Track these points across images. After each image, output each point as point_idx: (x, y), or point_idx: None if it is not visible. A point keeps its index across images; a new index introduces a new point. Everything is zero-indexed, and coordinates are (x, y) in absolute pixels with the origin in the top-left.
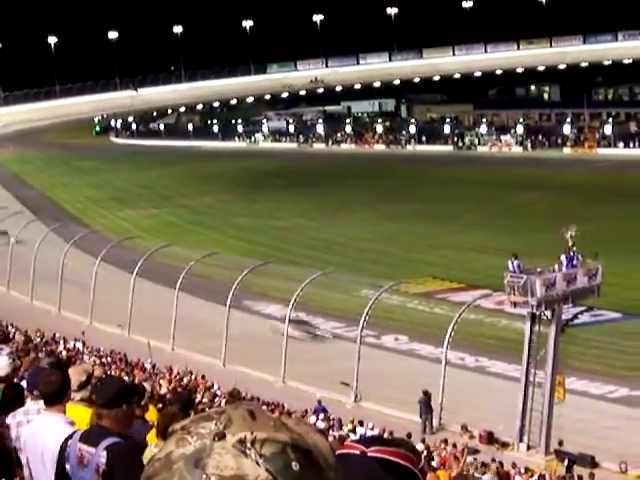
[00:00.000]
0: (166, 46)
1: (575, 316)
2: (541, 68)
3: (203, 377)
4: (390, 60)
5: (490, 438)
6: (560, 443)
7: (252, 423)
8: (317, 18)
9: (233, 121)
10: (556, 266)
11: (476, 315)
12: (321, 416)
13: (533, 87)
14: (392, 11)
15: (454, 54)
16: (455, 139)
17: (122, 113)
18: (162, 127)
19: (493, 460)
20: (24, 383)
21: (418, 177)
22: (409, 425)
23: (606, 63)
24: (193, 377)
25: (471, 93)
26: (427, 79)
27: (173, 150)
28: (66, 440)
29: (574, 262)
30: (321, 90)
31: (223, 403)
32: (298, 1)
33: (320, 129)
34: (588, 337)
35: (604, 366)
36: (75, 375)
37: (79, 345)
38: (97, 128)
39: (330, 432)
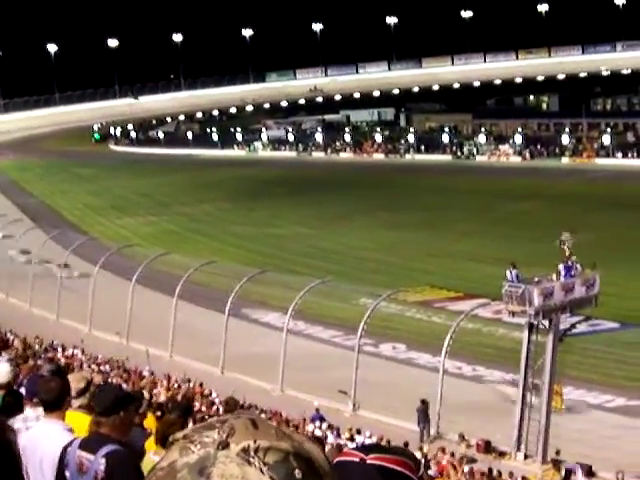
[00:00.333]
0: (166, 54)
1: (573, 326)
2: (540, 78)
3: (201, 385)
4: (389, 69)
5: (487, 447)
6: (557, 452)
7: (255, 432)
8: (317, 27)
9: (232, 129)
10: (554, 275)
11: (474, 324)
12: (318, 424)
13: (532, 97)
14: (391, 20)
15: (453, 64)
16: (454, 148)
17: (121, 121)
18: (161, 135)
19: (490, 470)
20: (23, 390)
21: (417, 186)
22: (407, 434)
23: (605, 73)
24: (191, 385)
25: (470, 103)
26: (426, 88)
27: (172, 158)
28: (65, 447)
29: (572, 272)
30: (320, 99)
31: (221, 411)
32: (298, 10)
33: (319, 138)
34: (586, 347)
35: (602, 376)
36: (74, 382)
37: (78, 352)
38: (96, 136)
39: (328, 440)
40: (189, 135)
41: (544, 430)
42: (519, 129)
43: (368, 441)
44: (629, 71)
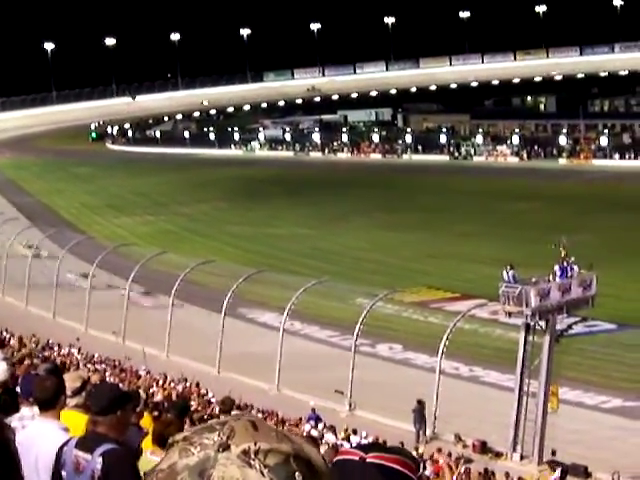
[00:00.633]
0: (163, 53)
1: (569, 326)
2: (537, 79)
3: (197, 384)
4: (387, 69)
5: (483, 448)
6: (553, 453)
7: (255, 434)
8: (314, 27)
9: (230, 129)
10: (551, 276)
11: (471, 325)
12: (313, 424)
13: (529, 98)
14: (389, 21)
15: (451, 64)
16: (451, 149)
17: (118, 120)
18: (158, 134)
19: (486, 470)
20: (19, 389)
21: (414, 187)
22: (403, 434)
23: (602, 74)
24: (188, 384)
25: (467, 103)
26: (424, 89)
27: (169, 157)
28: (62, 447)
29: (569, 273)
30: (318, 99)
31: (217, 410)
32: (295, 10)
33: (316, 138)
34: (582, 347)
35: (598, 376)
36: (69, 381)
37: (74, 351)
38: (93, 135)
39: (326, 440)
40: (186, 134)
41: (540, 431)
42: (517, 130)
43: (364, 441)
44: (627, 72)
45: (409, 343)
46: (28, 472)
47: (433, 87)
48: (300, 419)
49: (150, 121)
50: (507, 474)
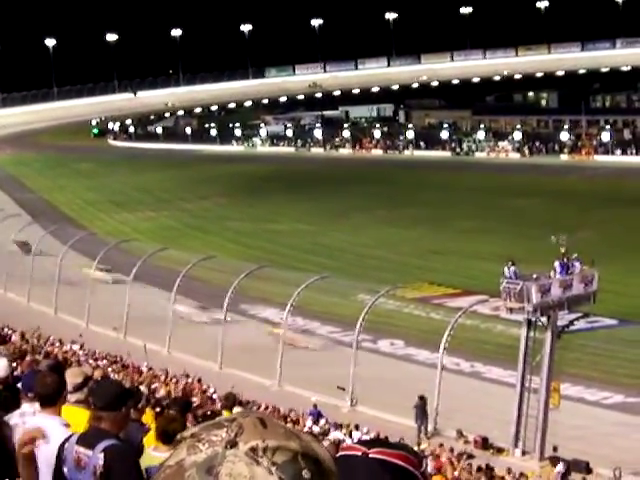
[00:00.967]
0: (165, 49)
1: (571, 322)
2: (539, 75)
3: (199, 380)
4: (388, 65)
5: (485, 443)
6: (555, 449)
7: (263, 431)
8: (316, 23)
9: (231, 125)
10: (551, 272)
11: (472, 321)
12: (315, 419)
13: (531, 93)
14: (391, 16)
15: (452, 60)
16: (453, 145)
17: (120, 116)
18: (160, 130)
19: (487, 466)
20: (20, 385)
21: (416, 183)
22: (404, 430)
23: (604, 70)
24: (190, 380)
25: (469, 99)
26: (425, 84)
27: (171, 153)
28: (63, 443)
29: (570, 269)
30: (319, 95)
31: (220, 406)
32: (297, 6)
33: (318, 134)
34: (584, 343)
35: (600, 372)
36: (71, 377)
37: (76, 347)
38: (95, 131)
39: (330, 436)
40: (188, 130)
41: (542, 426)
42: (518, 126)
43: (366, 437)
44: (628, 68)
45: (411, 339)
46: None
47: (435, 83)
48: (302, 415)
49: (152, 117)
50: (509, 470)
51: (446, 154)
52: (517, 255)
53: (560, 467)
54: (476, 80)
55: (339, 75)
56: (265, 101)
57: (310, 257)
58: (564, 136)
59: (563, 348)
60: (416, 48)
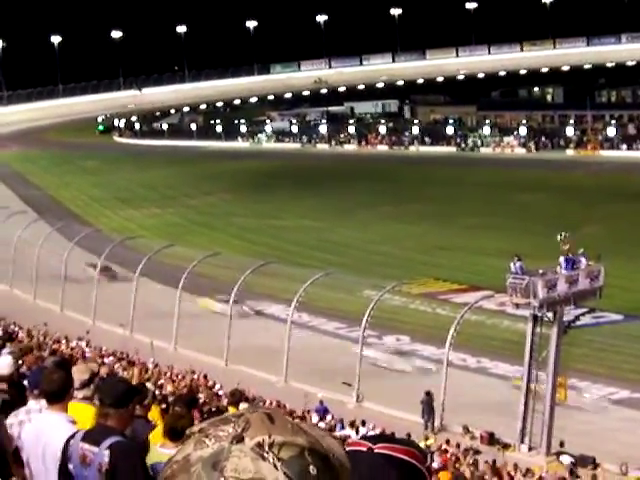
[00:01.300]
0: (170, 46)
1: (577, 318)
2: (544, 70)
3: (205, 377)
4: (393, 61)
5: (491, 439)
6: (561, 444)
7: (270, 426)
8: (321, 19)
9: (236, 121)
10: (557, 268)
11: (478, 316)
12: (322, 415)
13: (536, 89)
14: (396, 12)
15: (457, 55)
16: (458, 140)
17: (125, 113)
18: (165, 127)
19: (494, 461)
20: (26, 382)
21: (421, 178)
22: (411, 425)
23: (609, 65)
24: (195, 377)
25: (474, 94)
26: (430, 80)
27: (176, 150)
28: (68, 440)
29: (576, 264)
30: (324, 91)
31: (226, 403)
32: (302, 2)
33: (323, 130)
34: (590, 339)
35: (606, 368)
36: (78, 373)
37: (82, 344)
38: (100, 127)
39: (332, 432)
40: (193, 127)
41: (548, 422)
42: (524, 121)
43: (372, 433)
44: (634, 63)
45: (417, 335)
46: (35, 464)
47: (440, 78)
48: (308, 411)
49: (157, 114)
50: (515, 465)
51: (451, 150)
52: (523, 250)
53: (567, 462)
54: (481, 75)
55: (344, 71)
56: (270, 97)
57: (315, 253)
58: (570, 131)
59: (569, 344)
60: (421, 43)
